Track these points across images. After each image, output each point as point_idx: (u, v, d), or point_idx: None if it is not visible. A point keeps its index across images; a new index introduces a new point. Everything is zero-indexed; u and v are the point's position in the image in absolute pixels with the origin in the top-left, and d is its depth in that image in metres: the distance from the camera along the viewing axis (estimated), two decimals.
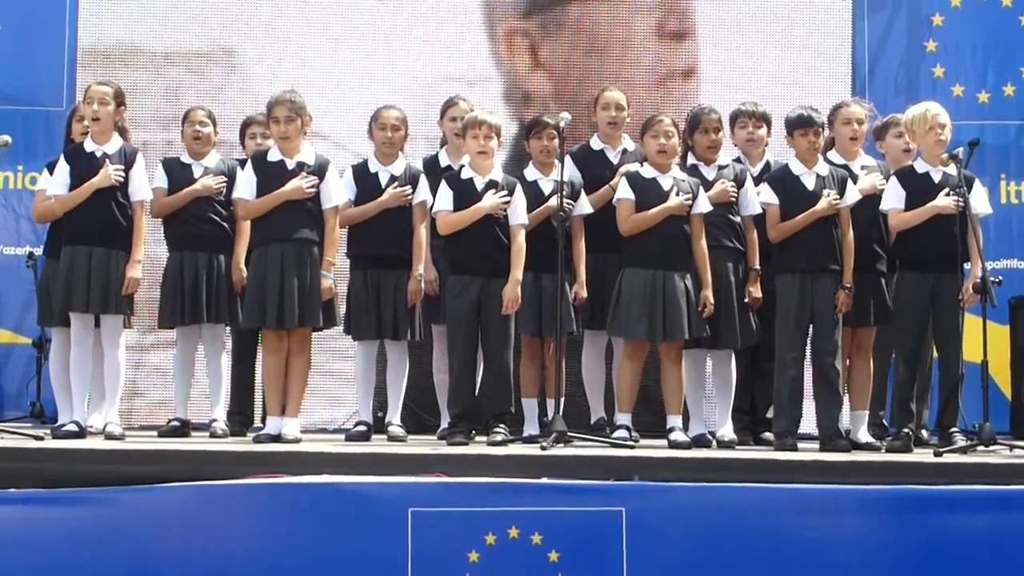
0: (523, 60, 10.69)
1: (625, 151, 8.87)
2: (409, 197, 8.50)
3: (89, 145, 8.33)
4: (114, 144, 8.32)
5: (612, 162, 8.83)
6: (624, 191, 8.24)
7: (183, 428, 8.72)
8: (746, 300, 8.45)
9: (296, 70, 10.28)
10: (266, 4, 10.67)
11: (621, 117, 8.89)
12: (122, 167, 8.26)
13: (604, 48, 10.62)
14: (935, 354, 8.32)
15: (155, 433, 8.76)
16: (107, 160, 8.25)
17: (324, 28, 10.64)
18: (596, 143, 8.95)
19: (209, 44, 10.62)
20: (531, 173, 8.51)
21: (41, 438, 7.79)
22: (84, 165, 8.26)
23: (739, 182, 8.54)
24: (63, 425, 8.27)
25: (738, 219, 8.52)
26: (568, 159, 8.66)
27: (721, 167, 8.58)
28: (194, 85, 10.54)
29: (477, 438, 8.17)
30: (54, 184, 8.36)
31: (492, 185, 8.19)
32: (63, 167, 8.31)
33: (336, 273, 8.23)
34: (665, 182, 8.22)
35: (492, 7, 10.74)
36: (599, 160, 8.87)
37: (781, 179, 8.32)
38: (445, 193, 8.21)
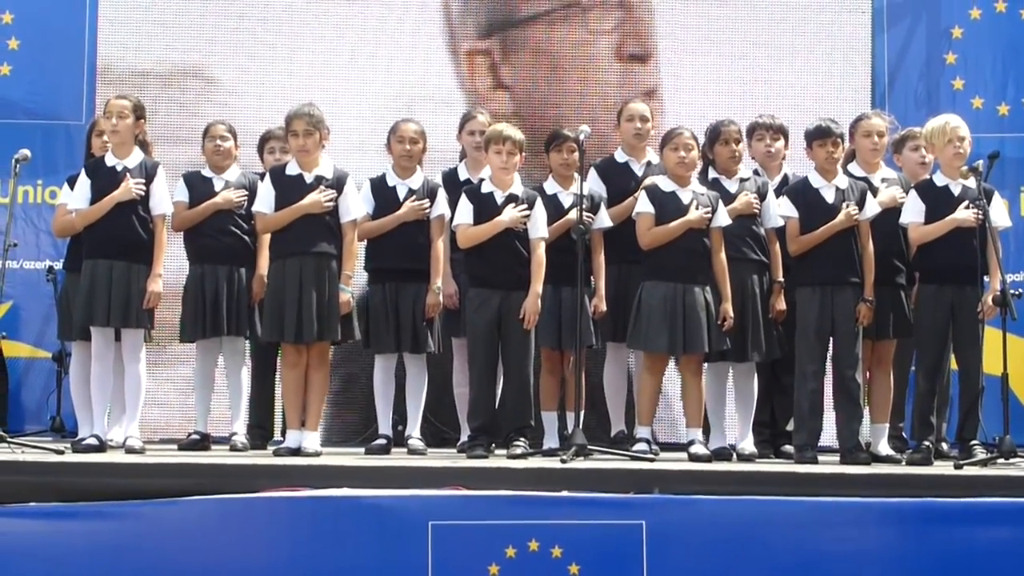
0: (484, 80, 10.63)
1: (649, 163, 8.85)
2: (427, 210, 8.51)
3: (110, 159, 8.36)
4: (135, 158, 8.34)
5: (636, 174, 8.80)
6: (644, 204, 8.22)
7: (203, 441, 8.74)
8: (771, 316, 8.44)
9: (265, 90, 10.33)
10: (244, 25, 10.62)
11: (646, 129, 8.88)
12: (143, 181, 8.28)
13: (565, 68, 10.55)
14: (955, 367, 8.31)
15: (175, 447, 8.77)
16: (128, 174, 8.28)
17: (291, 49, 10.57)
18: (620, 155, 8.95)
19: (213, 60, 10.60)
20: (551, 186, 8.51)
21: (61, 452, 7.79)
22: (105, 179, 8.29)
23: (761, 194, 8.53)
24: (83, 439, 8.29)
25: (762, 231, 8.52)
26: (592, 172, 8.68)
27: (743, 179, 8.57)
28: (173, 102, 10.49)
29: (497, 451, 8.18)
30: (75, 198, 8.38)
31: (512, 199, 8.19)
32: (84, 181, 8.34)
33: (353, 287, 8.24)
34: (685, 195, 8.21)
35: (454, 27, 10.66)
36: (624, 172, 8.86)
37: (801, 192, 8.30)
38: (465, 207, 8.22)
